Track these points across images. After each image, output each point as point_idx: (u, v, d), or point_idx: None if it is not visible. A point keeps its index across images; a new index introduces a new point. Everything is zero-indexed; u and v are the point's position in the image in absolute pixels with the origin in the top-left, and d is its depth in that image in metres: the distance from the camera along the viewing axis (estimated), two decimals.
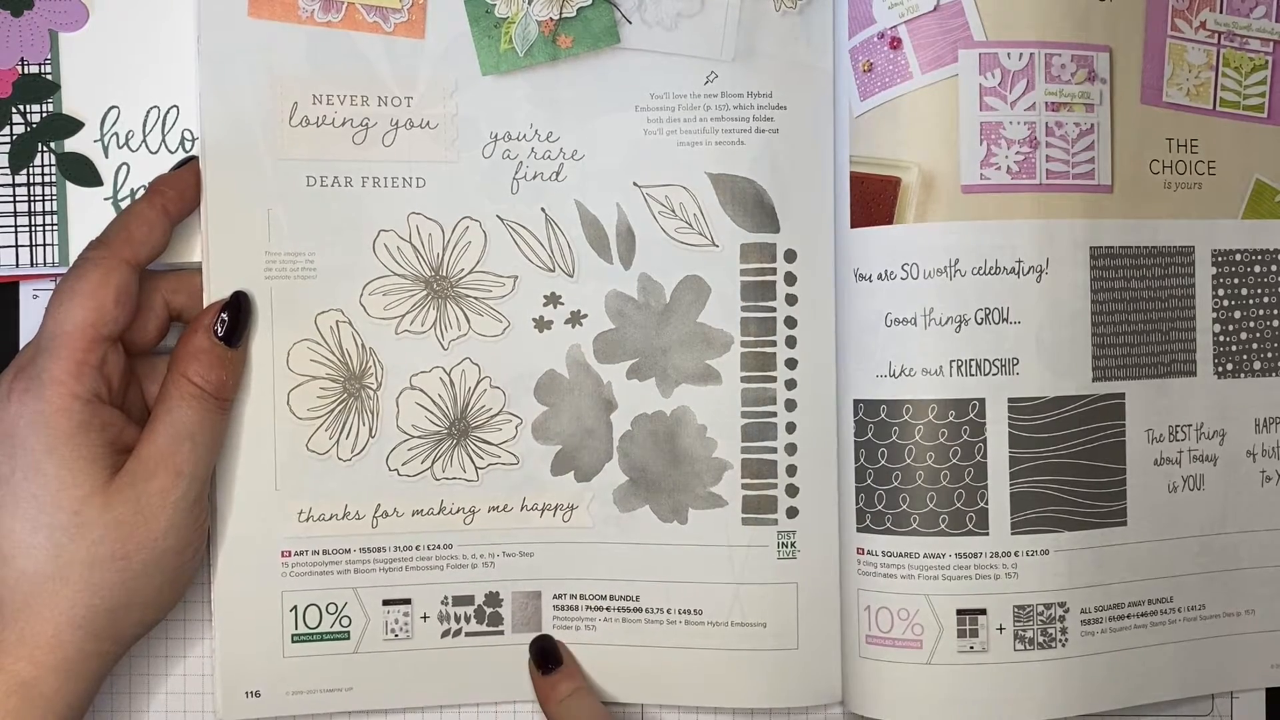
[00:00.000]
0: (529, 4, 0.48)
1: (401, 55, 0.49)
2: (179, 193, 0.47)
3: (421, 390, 0.50)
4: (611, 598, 0.51)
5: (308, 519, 0.49)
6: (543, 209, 0.50)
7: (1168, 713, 0.52)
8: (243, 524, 0.49)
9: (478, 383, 0.50)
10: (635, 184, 0.50)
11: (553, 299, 0.50)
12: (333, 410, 0.49)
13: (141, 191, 0.48)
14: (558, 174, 0.50)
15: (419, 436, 0.50)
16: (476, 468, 0.50)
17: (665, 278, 0.50)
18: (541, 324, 0.50)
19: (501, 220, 0.50)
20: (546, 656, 0.50)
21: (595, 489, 0.50)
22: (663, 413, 0.50)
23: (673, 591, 0.50)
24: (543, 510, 0.50)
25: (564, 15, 0.49)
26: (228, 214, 0.48)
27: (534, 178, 0.50)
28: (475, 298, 0.50)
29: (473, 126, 0.49)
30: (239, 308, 0.47)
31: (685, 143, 0.50)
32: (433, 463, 0.50)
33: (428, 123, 0.49)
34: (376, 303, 0.49)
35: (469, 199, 0.49)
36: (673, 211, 0.50)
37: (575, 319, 0.50)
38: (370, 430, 0.50)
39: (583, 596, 0.50)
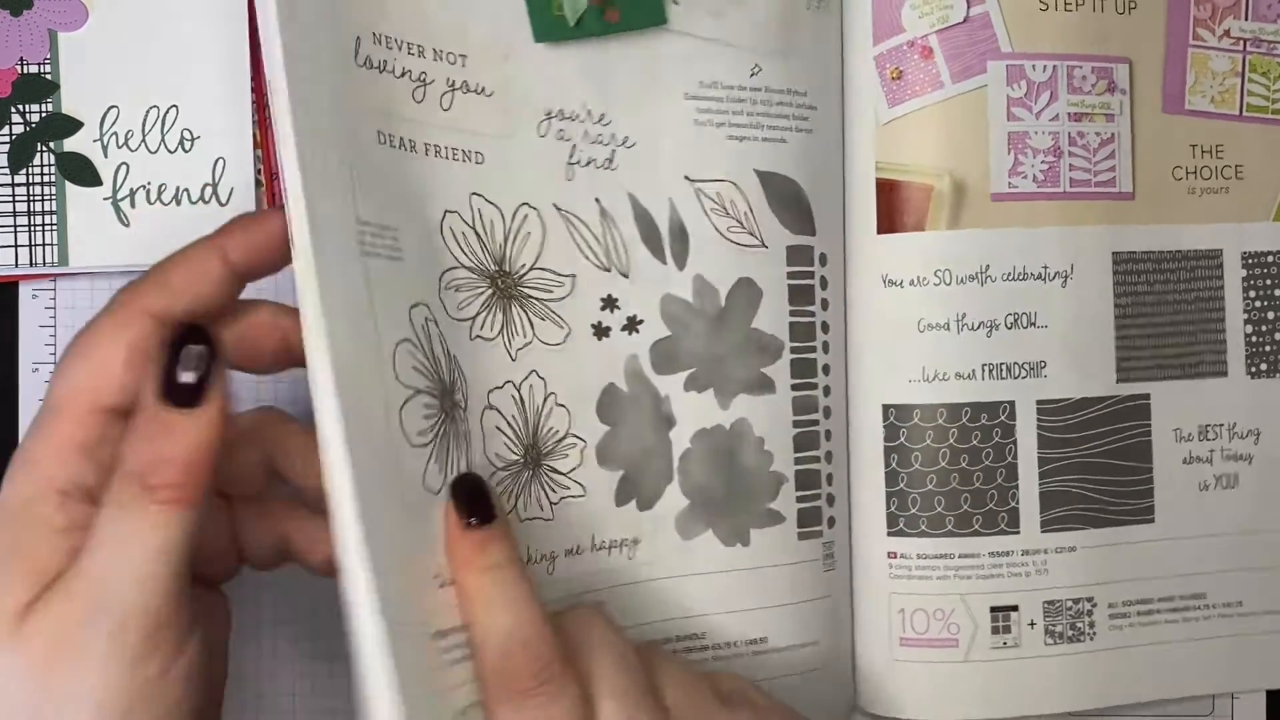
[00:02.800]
0: None
1: (455, 6, 0.44)
2: (248, 238, 0.38)
3: (498, 411, 0.44)
4: (677, 638, 0.48)
5: None
6: (597, 199, 0.47)
7: (1170, 711, 0.53)
8: None
9: (544, 400, 0.46)
10: (687, 178, 0.48)
11: (610, 302, 0.47)
12: (437, 436, 0.41)
13: (141, 192, 0.50)
14: (610, 161, 0.47)
15: (503, 469, 0.45)
16: (550, 503, 0.46)
17: (720, 280, 0.49)
18: (600, 330, 0.47)
19: (559, 210, 0.46)
20: (474, 503, 0.39)
21: (657, 517, 0.47)
22: (722, 426, 0.48)
23: (738, 622, 0.48)
24: (610, 548, 0.47)
25: None
26: (313, 163, 0.37)
27: (588, 164, 0.47)
28: (537, 299, 0.46)
29: (527, 98, 0.46)
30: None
31: (735, 136, 0.49)
32: (516, 500, 0.45)
33: (483, 88, 0.45)
34: (451, 299, 0.44)
35: (526, 182, 0.46)
36: (725, 209, 0.49)
37: (632, 325, 0.47)
38: (466, 463, 0.42)
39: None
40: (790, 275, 0.50)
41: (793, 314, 0.50)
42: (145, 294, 0.37)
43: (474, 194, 0.45)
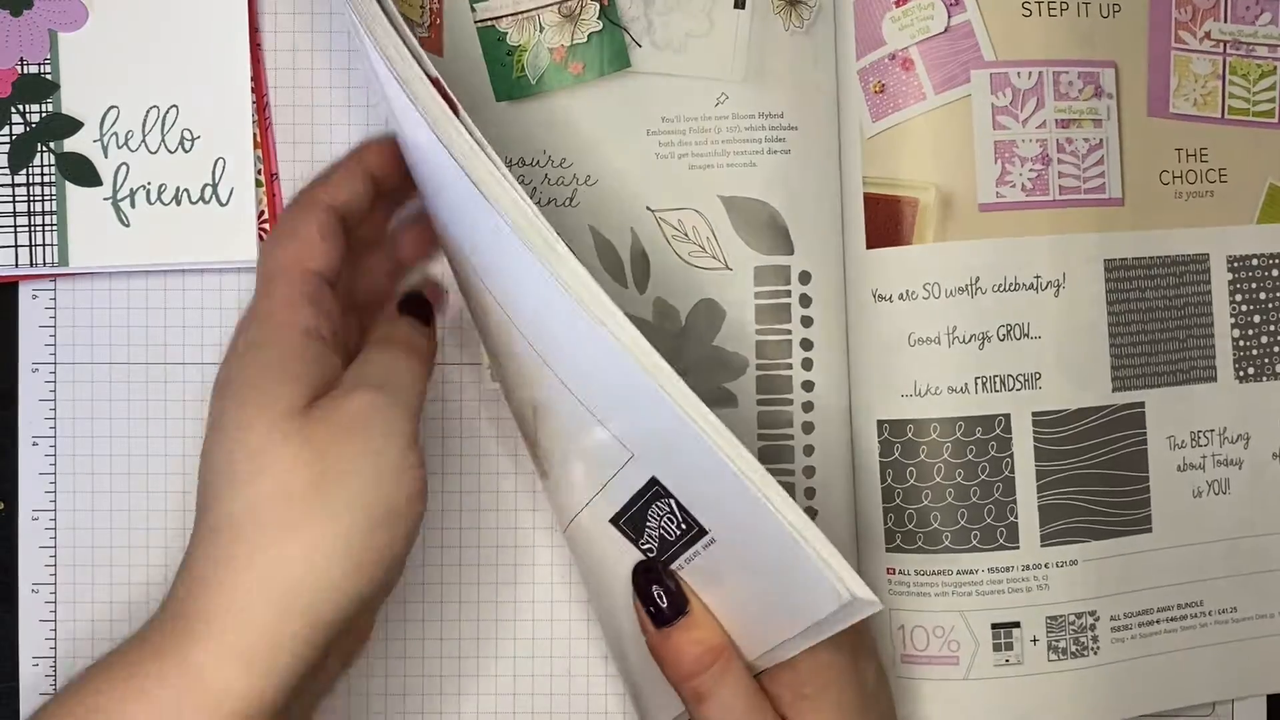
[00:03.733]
0: (540, 32, 0.49)
1: None
2: (381, 154, 0.47)
3: None
4: None
5: None
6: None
7: (1168, 717, 0.52)
8: None
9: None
10: (648, 208, 0.50)
11: None
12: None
13: (141, 192, 0.50)
14: (571, 200, 0.50)
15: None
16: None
17: (680, 302, 0.50)
18: None
19: None
20: (671, 599, 0.43)
21: None
22: None
23: None
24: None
25: (575, 42, 0.49)
26: None
27: (548, 203, 0.50)
28: None
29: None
30: None
31: (697, 165, 0.50)
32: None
33: None
34: None
35: None
36: (686, 235, 0.50)
37: None
38: None
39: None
40: (760, 295, 0.50)
41: (761, 332, 0.50)
42: (315, 190, 0.45)
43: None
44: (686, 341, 0.51)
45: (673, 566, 0.43)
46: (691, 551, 0.42)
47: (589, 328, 0.37)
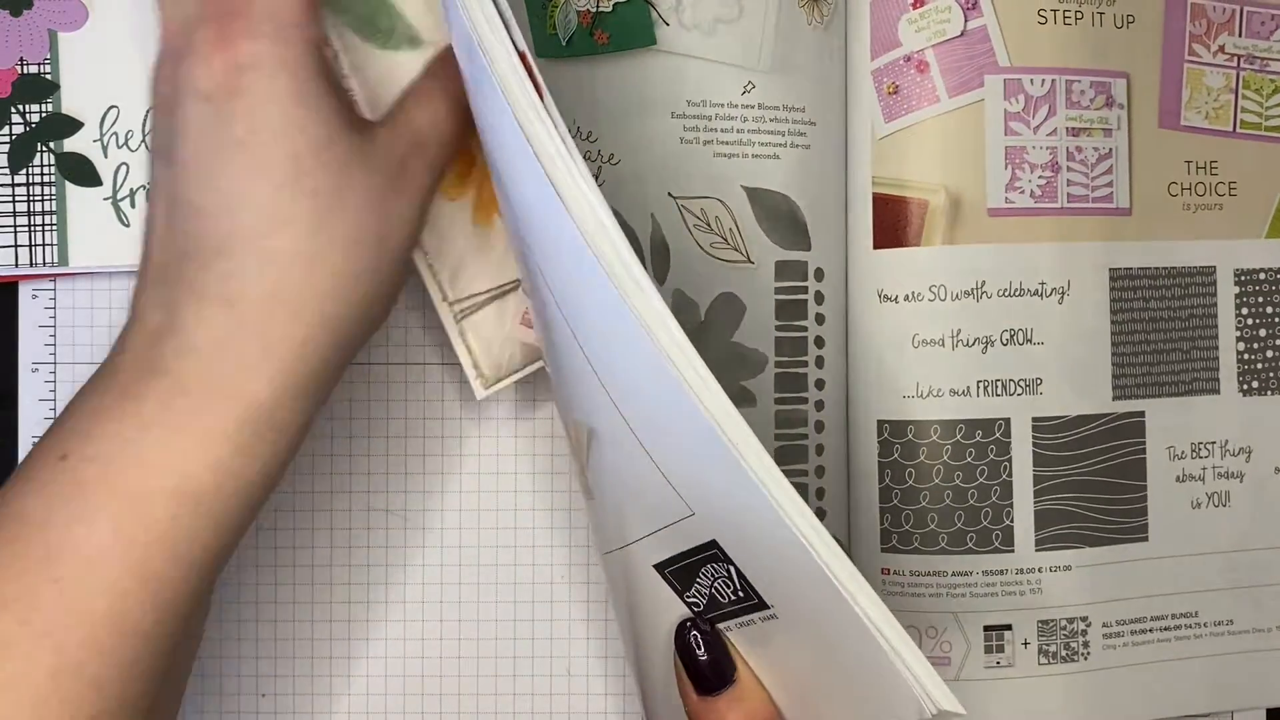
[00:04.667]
0: None
1: None
2: None
3: None
4: None
5: None
6: None
7: None
8: None
9: None
10: (670, 195, 0.48)
11: None
12: None
13: (142, 193, 0.49)
14: (596, 177, 0.47)
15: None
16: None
17: (700, 295, 0.48)
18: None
19: None
20: (718, 667, 0.39)
21: None
22: None
23: None
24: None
25: (600, 9, 0.47)
26: None
27: None
28: None
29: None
30: None
31: (722, 154, 0.48)
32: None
33: None
34: None
35: None
36: (708, 225, 0.48)
37: None
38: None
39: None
40: (779, 290, 0.49)
41: (780, 328, 0.49)
42: None
43: None
44: (706, 336, 0.49)
45: (720, 625, 0.39)
46: (746, 619, 0.38)
47: (676, 390, 0.33)
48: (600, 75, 0.47)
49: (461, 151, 0.43)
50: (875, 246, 0.49)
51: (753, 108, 0.48)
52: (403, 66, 0.44)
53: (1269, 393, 0.52)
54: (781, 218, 0.49)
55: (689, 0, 0.48)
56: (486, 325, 0.47)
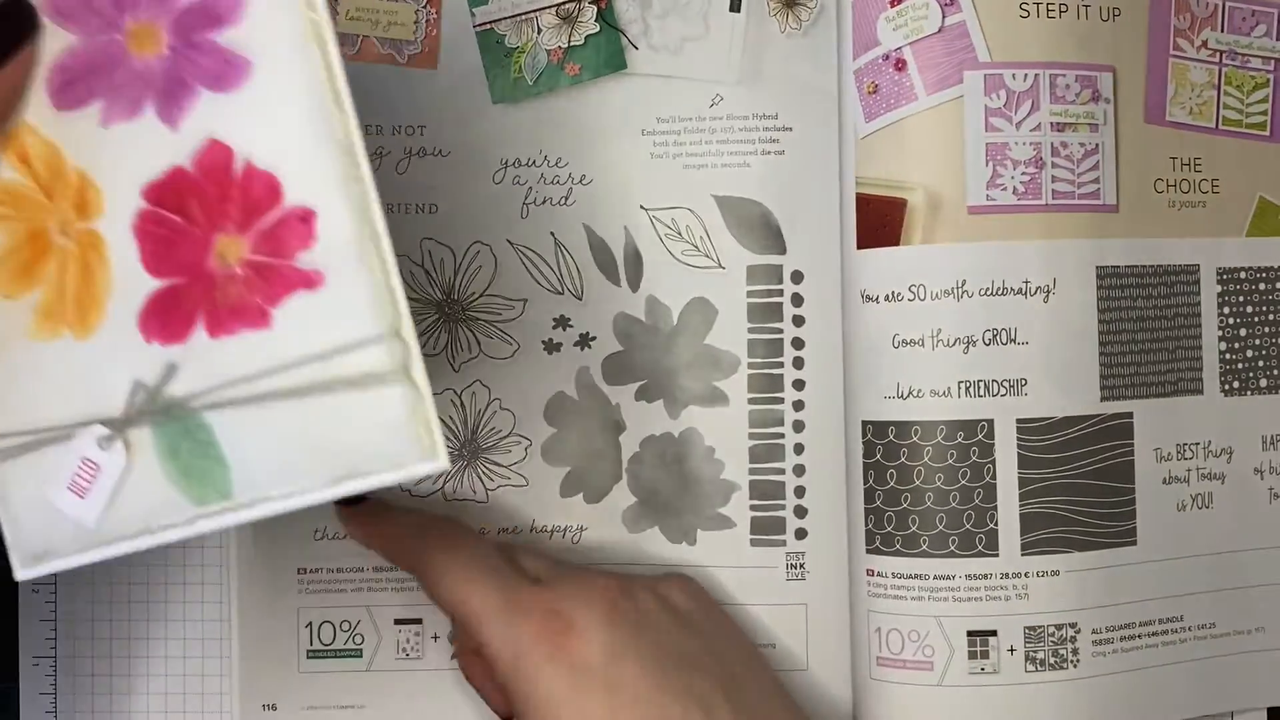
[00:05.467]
0: (538, 34, 0.48)
1: (415, 86, 0.48)
2: None
3: None
4: None
5: (322, 537, 0.49)
6: (552, 233, 0.49)
7: None
8: (261, 540, 0.49)
9: (488, 405, 0.49)
10: (642, 207, 0.49)
11: (561, 321, 0.49)
12: None
13: None
14: (566, 199, 0.49)
15: None
16: (486, 489, 0.50)
17: (672, 300, 0.49)
18: (551, 346, 0.49)
19: (511, 244, 0.49)
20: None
21: (605, 510, 0.49)
22: (671, 434, 0.49)
23: None
24: (552, 532, 0.49)
25: (572, 43, 0.48)
26: None
27: (543, 202, 0.49)
28: (486, 320, 0.49)
29: (484, 154, 0.49)
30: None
31: (691, 165, 0.49)
32: (444, 483, 0.50)
33: (440, 151, 0.49)
34: None
35: (480, 224, 0.49)
36: (679, 234, 0.49)
37: (584, 341, 0.49)
38: None
39: None
40: (752, 294, 0.49)
41: (753, 330, 0.49)
42: None
43: (425, 239, 0.49)
44: (679, 339, 0.49)
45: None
46: None
47: None
48: (570, 104, 0.49)
49: (32, 233, 0.34)
50: (859, 247, 0.48)
51: (721, 119, 0.49)
52: None
53: (1249, 393, 0.50)
54: (753, 223, 0.49)
55: (656, 23, 0.49)
56: (25, 481, 0.34)
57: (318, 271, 0.33)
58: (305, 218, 0.33)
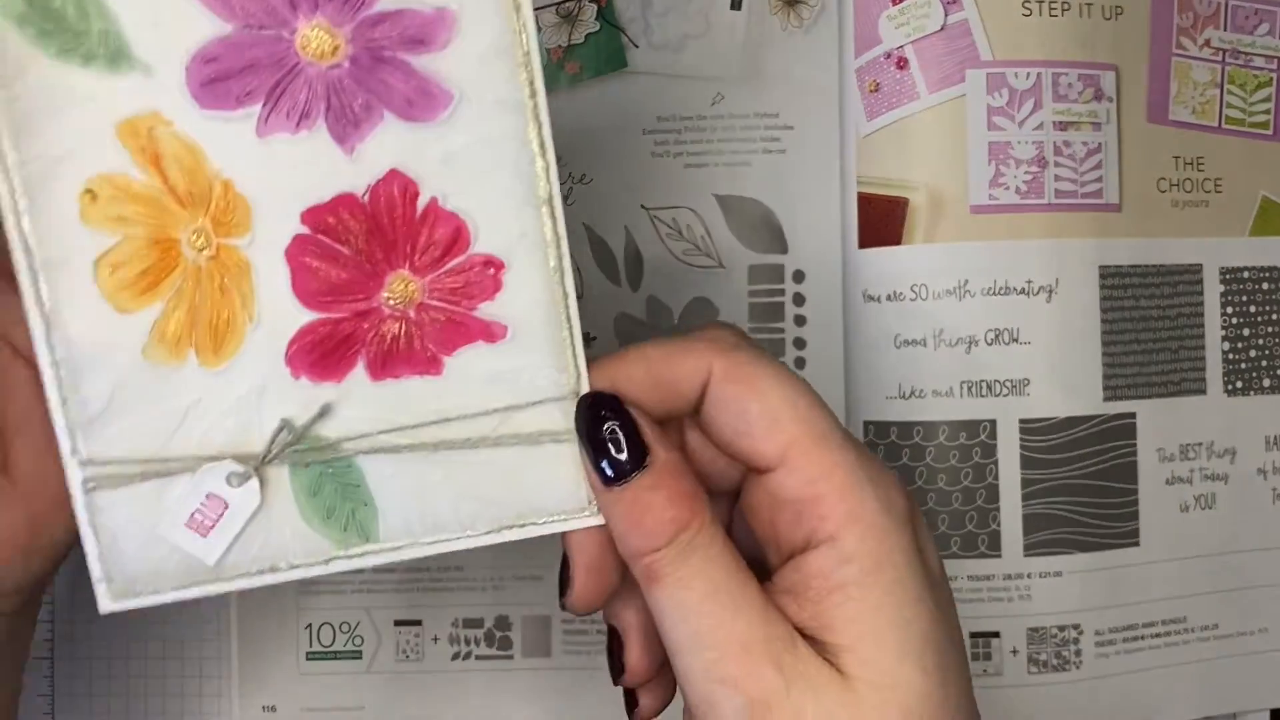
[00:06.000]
0: (538, 32, 0.47)
1: None
2: None
3: None
4: None
5: None
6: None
7: None
8: None
9: None
10: (643, 206, 0.49)
11: None
12: None
13: None
14: (566, 198, 0.49)
15: None
16: None
17: (673, 300, 0.49)
18: None
19: None
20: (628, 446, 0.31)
21: None
22: None
23: None
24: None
25: (572, 42, 0.48)
26: None
27: None
28: None
29: None
30: None
31: (692, 164, 0.49)
32: None
33: None
34: None
35: None
36: (680, 234, 0.49)
37: (585, 341, 0.49)
38: None
39: (594, 620, 0.49)
40: (753, 294, 0.49)
41: (754, 330, 0.49)
42: None
43: None
44: None
45: None
46: None
47: None
48: (570, 103, 0.48)
49: (156, 242, 0.30)
50: (860, 246, 0.48)
51: (722, 117, 0.49)
52: (79, 90, 0.29)
53: (1251, 392, 0.50)
54: (755, 223, 0.49)
55: (657, 21, 0.48)
56: (125, 511, 0.31)
57: (501, 324, 0.31)
58: (494, 268, 0.30)
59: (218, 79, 0.29)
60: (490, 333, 0.31)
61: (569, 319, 0.31)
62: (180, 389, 0.30)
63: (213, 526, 0.31)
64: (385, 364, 0.31)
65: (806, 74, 0.49)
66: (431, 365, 0.31)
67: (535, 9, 0.48)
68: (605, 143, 0.49)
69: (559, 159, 0.46)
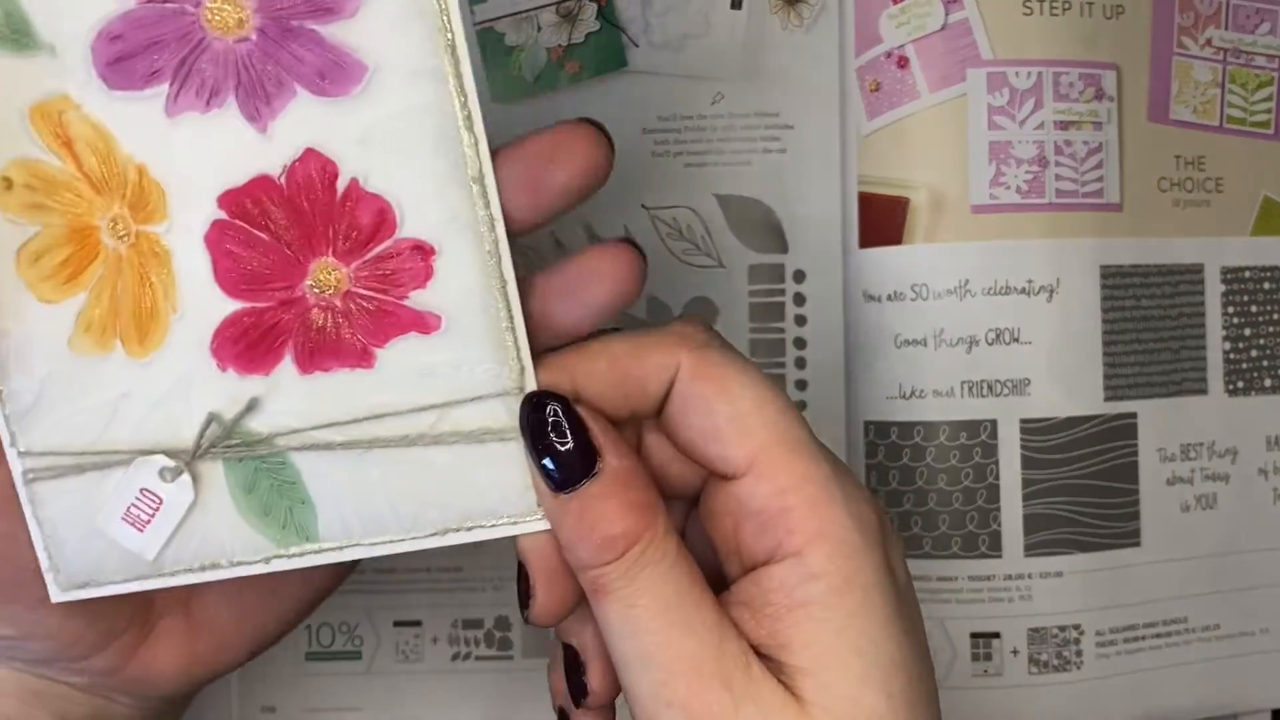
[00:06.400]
0: (538, 31, 0.48)
1: None
2: None
3: None
4: None
5: None
6: (552, 232, 0.49)
7: None
8: None
9: None
10: (643, 206, 0.49)
11: None
12: None
13: None
14: None
15: None
16: None
17: (673, 299, 0.49)
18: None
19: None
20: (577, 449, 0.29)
21: None
22: None
23: None
24: None
25: (572, 42, 0.48)
26: None
27: None
28: None
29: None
30: None
31: (692, 164, 0.48)
32: None
33: None
34: None
35: None
36: (680, 233, 0.49)
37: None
38: None
39: None
40: (753, 293, 0.49)
41: (755, 330, 0.49)
42: None
43: None
44: None
45: None
46: None
47: None
48: (570, 102, 0.48)
49: (75, 230, 0.29)
50: (861, 246, 0.48)
51: (722, 117, 0.48)
52: None
53: (1253, 393, 0.50)
54: (755, 222, 0.49)
55: (657, 21, 0.48)
56: (65, 503, 0.31)
57: (434, 314, 0.29)
58: (424, 253, 0.29)
59: (123, 57, 0.28)
60: (423, 323, 0.29)
61: (509, 307, 0.29)
62: (108, 381, 0.29)
63: (149, 522, 0.30)
64: (313, 356, 0.29)
65: (807, 73, 0.48)
66: (363, 358, 0.29)
67: (535, 8, 0.48)
68: None
69: None
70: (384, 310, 0.29)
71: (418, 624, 0.49)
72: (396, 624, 0.49)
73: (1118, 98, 0.47)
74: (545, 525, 0.30)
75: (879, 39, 0.47)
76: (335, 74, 0.28)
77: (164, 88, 0.28)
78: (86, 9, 0.27)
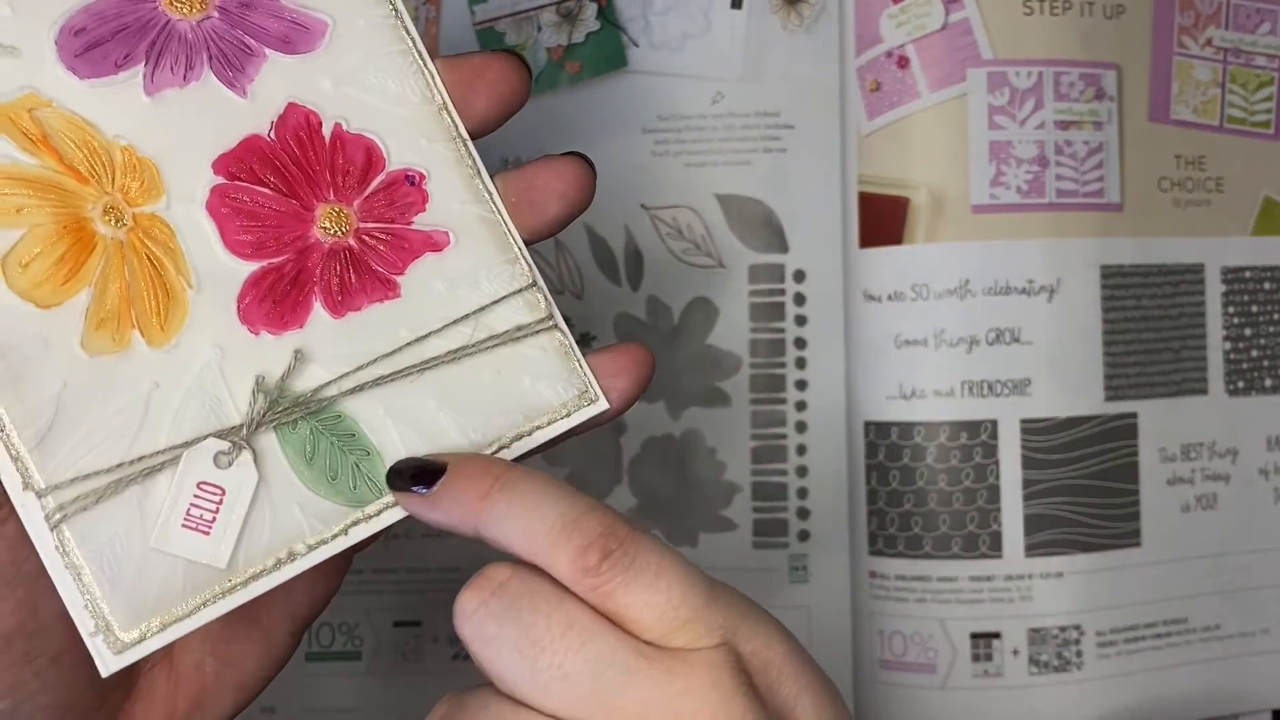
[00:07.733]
0: (538, 31, 0.48)
1: None
2: None
3: None
4: None
5: None
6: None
7: None
8: None
9: None
10: (643, 206, 0.49)
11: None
12: None
13: None
14: None
15: None
16: None
17: (673, 300, 0.49)
18: None
19: None
20: (415, 479, 0.29)
21: None
22: (672, 435, 0.49)
23: None
24: None
25: (572, 41, 0.48)
26: None
27: None
28: None
29: (483, 153, 0.48)
30: None
31: (693, 164, 0.49)
32: None
33: None
34: None
35: None
36: (680, 233, 0.49)
37: (584, 341, 0.49)
38: None
39: None
40: (754, 293, 0.49)
41: (755, 330, 0.49)
42: None
43: None
44: (679, 340, 0.49)
45: None
46: None
47: None
48: (570, 102, 0.48)
49: (66, 226, 0.28)
50: (861, 245, 0.48)
51: (723, 116, 0.49)
52: None
53: (1253, 393, 0.50)
54: (755, 222, 0.49)
55: (657, 20, 0.48)
56: (109, 532, 0.27)
57: (443, 232, 0.30)
58: (415, 180, 0.30)
59: (91, 47, 0.28)
60: (434, 242, 0.30)
61: (499, 213, 0.31)
62: (133, 377, 0.27)
63: (214, 519, 0.27)
64: (343, 298, 0.30)
65: (807, 73, 0.48)
66: (389, 288, 0.30)
67: (535, 8, 0.48)
68: (605, 142, 0.49)
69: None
70: (396, 238, 0.30)
71: (418, 624, 0.49)
72: (396, 624, 0.49)
73: (1118, 97, 0.47)
74: (598, 409, 0.31)
75: (879, 39, 0.47)
76: (299, 35, 0.30)
77: (139, 68, 0.29)
78: (46, 8, 0.28)
